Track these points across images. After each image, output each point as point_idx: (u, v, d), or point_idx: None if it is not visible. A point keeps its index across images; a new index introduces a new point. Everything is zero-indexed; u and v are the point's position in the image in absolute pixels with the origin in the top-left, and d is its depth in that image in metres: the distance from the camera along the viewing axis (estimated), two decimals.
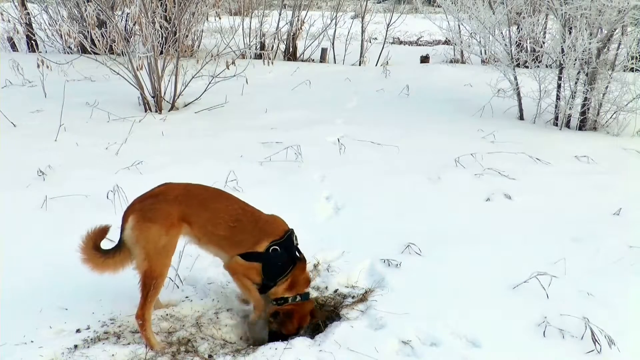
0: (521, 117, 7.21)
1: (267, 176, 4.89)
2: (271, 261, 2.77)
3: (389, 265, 3.40)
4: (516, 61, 7.36)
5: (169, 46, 7.04)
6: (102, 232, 2.70)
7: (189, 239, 2.85)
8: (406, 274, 3.30)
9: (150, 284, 2.62)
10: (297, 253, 2.87)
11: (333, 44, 11.70)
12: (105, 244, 2.73)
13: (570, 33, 6.37)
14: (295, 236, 2.89)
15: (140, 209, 2.66)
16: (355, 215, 4.18)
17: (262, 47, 11.26)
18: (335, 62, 11.56)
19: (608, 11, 6.08)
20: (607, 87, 6.50)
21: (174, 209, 2.69)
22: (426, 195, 4.60)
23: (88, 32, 7.04)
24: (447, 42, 13.70)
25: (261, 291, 2.88)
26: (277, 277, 2.81)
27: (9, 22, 9.06)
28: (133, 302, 2.80)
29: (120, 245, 2.67)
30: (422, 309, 2.94)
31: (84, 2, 7.52)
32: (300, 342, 2.70)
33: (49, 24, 10.49)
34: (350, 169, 5.11)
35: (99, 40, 6.76)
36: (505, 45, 7.34)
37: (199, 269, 3.31)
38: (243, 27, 11.33)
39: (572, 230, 3.94)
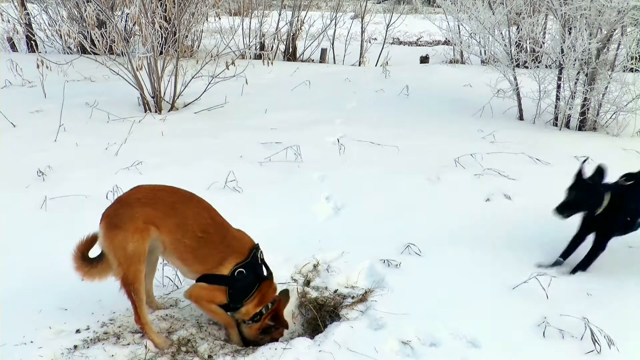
0: (521, 118, 7.22)
1: (266, 176, 4.89)
2: (237, 285, 2.67)
3: (389, 265, 3.40)
4: (516, 61, 7.36)
5: (169, 46, 7.04)
6: (91, 241, 2.70)
7: (157, 246, 2.70)
8: (406, 274, 3.31)
9: (129, 291, 2.61)
10: (264, 269, 2.78)
11: (333, 44, 11.70)
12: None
13: (569, 33, 6.37)
14: (261, 251, 2.79)
15: (107, 216, 2.63)
16: (355, 215, 4.18)
17: (262, 47, 11.27)
18: (335, 63, 11.56)
19: (608, 11, 6.08)
20: (606, 88, 6.50)
21: (137, 211, 2.59)
22: (426, 196, 4.60)
23: (88, 32, 7.04)
24: (446, 43, 13.73)
25: (227, 311, 2.80)
26: (243, 298, 2.73)
27: (9, 22, 9.05)
28: None
29: (102, 254, 2.68)
30: (422, 309, 2.94)
31: (84, 3, 7.51)
32: (300, 343, 2.71)
33: (49, 24, 10.47)
34: (350, 169, 5.11)
35: (98, 41, 6.75)
36: (505, 45, 7.34)
37: None
38: (243, 27, 11.33)
39: (572, 231, 3.92)
